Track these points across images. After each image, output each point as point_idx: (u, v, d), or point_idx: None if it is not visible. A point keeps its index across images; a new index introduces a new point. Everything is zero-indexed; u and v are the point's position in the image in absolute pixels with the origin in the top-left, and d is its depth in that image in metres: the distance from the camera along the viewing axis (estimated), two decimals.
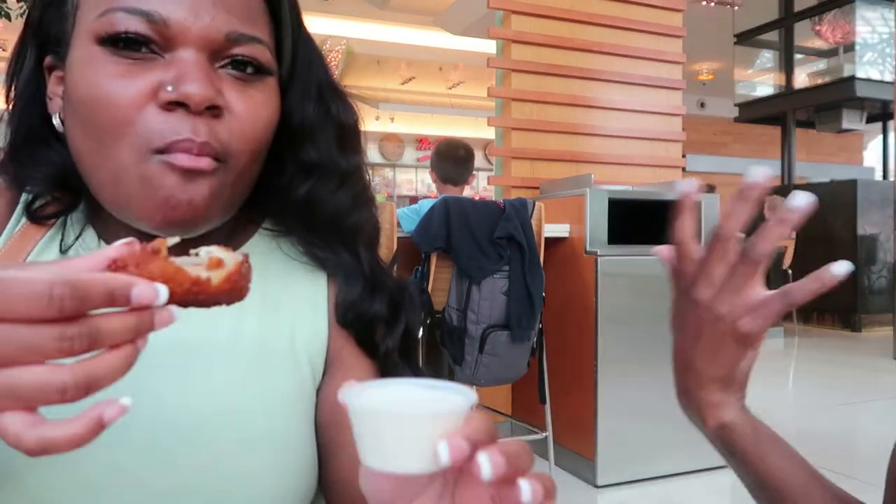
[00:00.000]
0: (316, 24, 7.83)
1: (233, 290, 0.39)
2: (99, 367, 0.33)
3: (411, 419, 0.34)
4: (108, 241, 0.57)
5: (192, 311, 0.37)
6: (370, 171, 0.67)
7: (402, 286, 0.65)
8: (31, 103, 0.57)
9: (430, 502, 0.37)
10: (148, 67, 0.49)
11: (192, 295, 0.37)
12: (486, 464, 0.33)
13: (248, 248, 0.62)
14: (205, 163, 0.50)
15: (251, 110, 0.53)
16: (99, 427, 0.33)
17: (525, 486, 0.34)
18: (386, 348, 0.61)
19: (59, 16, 0.54)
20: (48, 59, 0.56)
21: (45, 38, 0.55)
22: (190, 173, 0.49)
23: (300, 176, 0.61)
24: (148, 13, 0.48)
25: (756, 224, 0.47)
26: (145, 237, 0.43)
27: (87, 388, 0.33)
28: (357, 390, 0.37)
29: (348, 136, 0.64)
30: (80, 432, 0.32)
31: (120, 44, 0.49)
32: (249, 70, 0.53)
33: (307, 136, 0.61)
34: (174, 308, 0.36)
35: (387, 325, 0.62)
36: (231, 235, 0.61)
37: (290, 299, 0.61)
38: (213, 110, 0.50)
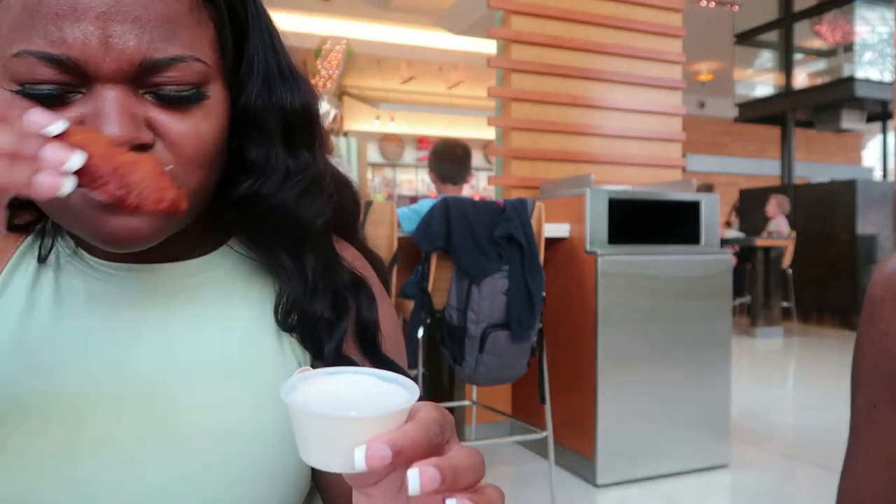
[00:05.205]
0: (316, 24, 7.84)
1: None
2: None
3: (330, 421, 0.33)
4: (86, 248, 0.57)
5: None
6: (329, 157, 0.62)
7: (358, 279, 0.61)
8: None
9: (390, 485, 0.35)
10: (67, 105, 0.47)
11: None
12: (415, 480, 0.32)
13: (226, 248, 0.61)
14: None
15: (188, 129, 0.50)
16: None
17: None
18: (331, 349, 0.58)
19: None
20: None
21: None
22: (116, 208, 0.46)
23: (241, 173, 0.57)
24: (59, 59, 0.46)
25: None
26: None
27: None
28: (296, 381, 0.37)
29: (296, 124, 0.58)
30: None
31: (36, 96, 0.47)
32: (179, 92, 0.49)
33: (251, 129, 0.56)
34: None
35: (330, 326, 0.58)
36: (206, 234, 0.60)
37: (272, 296, 0.60)
38: (140, 147, 0.48)
